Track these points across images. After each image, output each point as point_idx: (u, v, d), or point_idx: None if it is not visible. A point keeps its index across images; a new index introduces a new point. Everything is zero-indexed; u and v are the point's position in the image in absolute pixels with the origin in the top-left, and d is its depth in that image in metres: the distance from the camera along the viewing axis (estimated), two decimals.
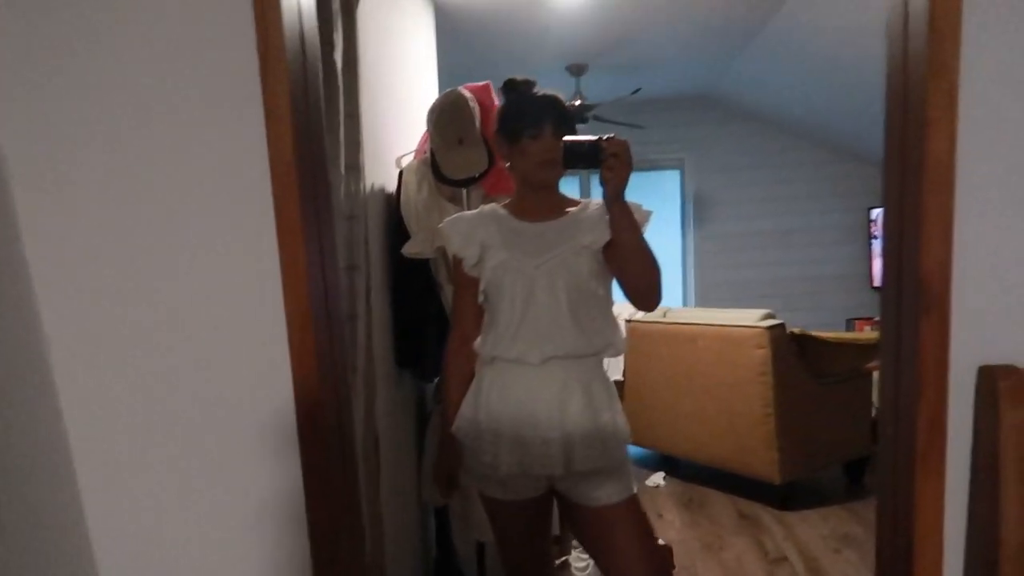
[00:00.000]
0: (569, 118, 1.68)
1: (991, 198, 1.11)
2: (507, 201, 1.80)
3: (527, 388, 1.64)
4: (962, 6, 1.00)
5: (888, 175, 1.18)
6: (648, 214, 1.68)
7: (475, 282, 1.72)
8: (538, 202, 1.72)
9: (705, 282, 6.56)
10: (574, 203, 1.75)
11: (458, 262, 1.74)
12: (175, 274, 1.27)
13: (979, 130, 1.08)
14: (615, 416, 1.68)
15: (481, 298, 1.71)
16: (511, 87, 1.76)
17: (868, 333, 4.29)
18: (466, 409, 1.75)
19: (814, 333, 3.84)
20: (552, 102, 1.69)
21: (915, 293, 1.10)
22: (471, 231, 1.72)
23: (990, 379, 1.10)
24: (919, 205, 1.06)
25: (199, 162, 1.24)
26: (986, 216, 1.11)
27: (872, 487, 4.11)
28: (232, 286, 1.27)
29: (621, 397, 4.08)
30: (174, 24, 1.21)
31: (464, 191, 2.45)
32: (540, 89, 1.74)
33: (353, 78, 2.09)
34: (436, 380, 2.72)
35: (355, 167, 2.05)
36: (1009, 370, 1.10)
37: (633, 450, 4.42)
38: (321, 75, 1.76)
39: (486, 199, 2.44)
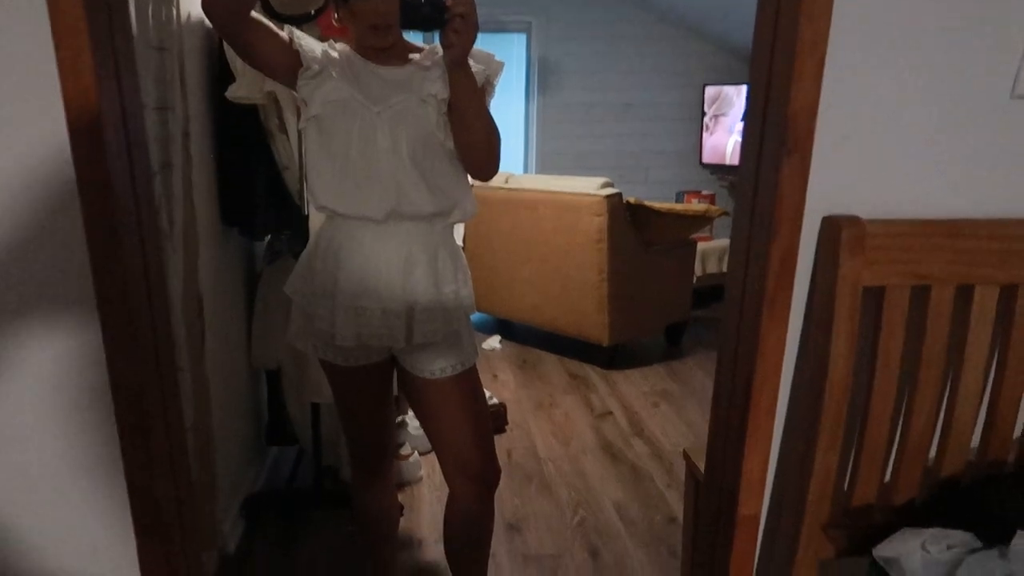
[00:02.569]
0: None
1: (865, 33, 1.07)
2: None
3: (368, 254, 1.53)
4: None
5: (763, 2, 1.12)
6: (500, 65, 1.58)
7: (295, 56, 1.50)
8: (378, 49, 1.55)
9: (546, 150, 6.57)
10: (417, 49, 1.60)
11: (295, 53, 1.51)
12: None
13: None
14: (459, 288, 1.61)
15: (302, 125, 1.54)
16: None
17: (696, 205, 4.49)
18: (300, 268, 1.63)
19: (648, 203, 3.97)
20: None
21: (780, 133, 1.08)
22: (317, 47, 1.54)
23: (834, 228, 1.14)
24: (795, 34, 1.02)
25: None
26: (856, 55, 1.08)
27: (688, 349, 4.46)
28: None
29: None
30: None
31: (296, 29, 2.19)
32: None
33: None
34: (267, 239, 2.54)
35: None
36: (852, 220, 1.14)
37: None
38: None
39: (322, 40, 2.21)
